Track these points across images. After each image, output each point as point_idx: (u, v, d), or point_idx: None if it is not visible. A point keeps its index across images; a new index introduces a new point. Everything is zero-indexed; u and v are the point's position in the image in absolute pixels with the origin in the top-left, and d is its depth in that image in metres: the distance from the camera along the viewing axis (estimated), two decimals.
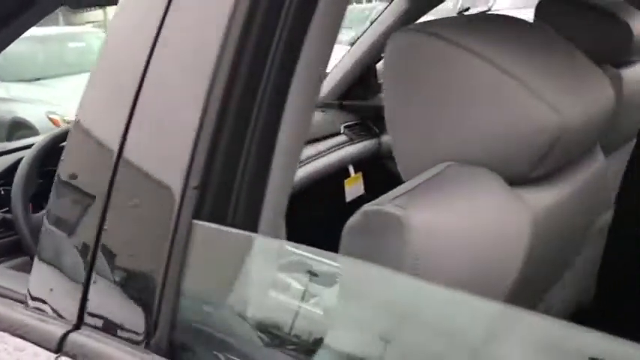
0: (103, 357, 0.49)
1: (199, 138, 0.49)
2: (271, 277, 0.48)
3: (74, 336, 0.51)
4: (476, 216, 0.61)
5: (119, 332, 0.50)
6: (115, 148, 0.52)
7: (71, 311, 0.53)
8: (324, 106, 2.33)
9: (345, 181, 2.13)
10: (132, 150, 0.52)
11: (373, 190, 1.91)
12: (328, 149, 2.09)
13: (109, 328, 0.50)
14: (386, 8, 1.99)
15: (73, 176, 0.56)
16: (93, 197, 0.53)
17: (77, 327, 0.52)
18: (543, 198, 0.65)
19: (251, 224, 0.50)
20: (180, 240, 0.48)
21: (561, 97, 0.62)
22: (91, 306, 0.52)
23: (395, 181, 0.68)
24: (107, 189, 0.52)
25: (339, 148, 2.08)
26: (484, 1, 12.60)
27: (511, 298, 0.64)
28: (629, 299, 1.80)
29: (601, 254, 1.67)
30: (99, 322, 0.51)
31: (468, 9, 12.33)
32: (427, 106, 0.66)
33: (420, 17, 2.01)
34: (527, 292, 0.68)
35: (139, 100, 0.52)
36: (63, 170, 0.57)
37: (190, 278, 0.48)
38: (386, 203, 0.60)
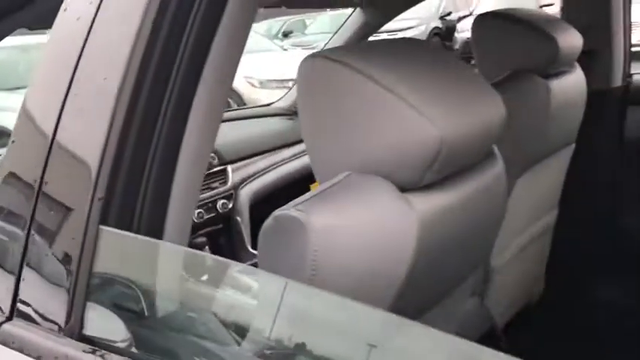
0: (29, 345, 0.56)
1: (105, 153, 0.57)
2: (169, 278, 0.56)
3: (7, 327, 0.59)
4: (368, 218, 0.70)
5: (43, 322, 0.58)
6: (45, 151, 0.60)
7: (5, 303, 0.60)
8: (292, 114, 2.41)
9: (311, 186, 2.21)
10: (56, 155, 0.60)
11: None
12: (293, 155, 2.17)
13: (36, 318, 0.58)
14: (346, 20, 2.08)
15: (10, 174, 0.64)
16: (26, 194, 0.61)
17: (9, 318, 0.60)
18: (432, 202, 0.74)
19: (155, 230, 0.58)
20: (89, 242, 0.56)
21: (440, 112, 0.70)
22: (23, 297, 0.60)
23: None
24: (37, 190, 0.60)
25: (304, 155, 2.15)
26: (466, 6, 12.74)
27: (404, 290, 0.72)
28: (575, 293, 1.90)
29: (548, 252, 1.77)
30: (28, 313, 0.59)
31: (449, 13, 12.45)
32: (330, 123, 0.75)
33: (378, 28, 2.10)
34: (422, 284, 0.76)
35: (62, 114, 0.60)
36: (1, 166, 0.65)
37: (99, 275, 0.56)
38: (291, 208, 0.69)
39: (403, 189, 0.72)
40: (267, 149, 2.07)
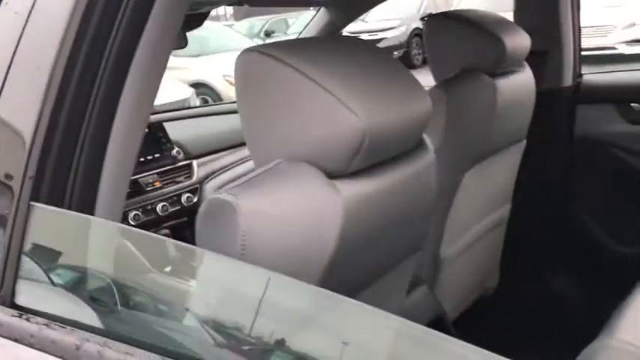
0: None
1: (36, 135, 0.61)
2: (100, 252, 0.61)
3: None
4: (295, 202, 0.75)
5: None
6: None
7: None
8: None
9: None
10: None
11: None
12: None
13: None
14: (311, 20, 2.13)
15: None
16: None
17: None
18: (358, 188, 0.79)
19: (86, 207, 0.62)
20: (20, 218, 0.61)
21: (364, 105, 0.75)
22: None
23: None
24: None
25: None
26: (446, 7, 12.89)
27: (331, 270, 0.77)
28: (529, 286, 1.97)
29: (501, 245, 1.84)
30: None
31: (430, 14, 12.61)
32: (264, 113, 0.80)
33: (343, 27, 2.15)
34: (350, 265, 0.81)
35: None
36: None
37: (31, 249, 0.61)
38: (222, 192, 0.74)
39: (331, 176, 0.77)
40: (234, 145, 2.10)
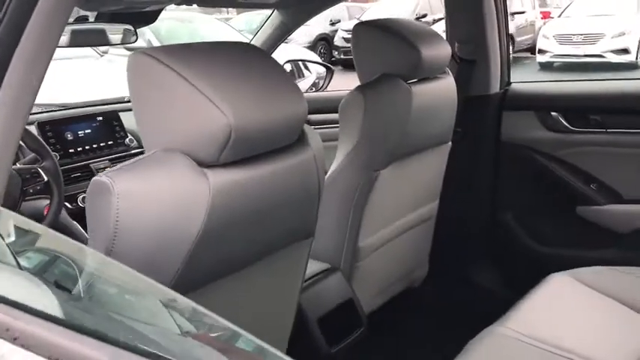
0: None
1: None
2: None
3: None
4: (167, 186, 0.86)
5: None
6: None
7: None
8: None
9: None
10: None
11: None
12: None
13: None
14: (264, 22, 2.25)
15: None
16: None
17: None
18: (226, 177, 0.90)
19: None
20: None
21: (232, 104, 0.87)
22: None
23: None
24: None
25: None
26: (440, 9, 13.00)
27: (198, 249, 0.88)
28: (455, 277, 2.09)
29: (431, 239, 1.96)
30: None
31: (425, 15, 12.74)
32: (148, 108, 0.91)
33: (295, 28, 2.26)
34: (215, 246, 0.92)
35: None
36: None
37: None
38: (104, 174, 0.86)
39: (202, 164, 0.89)
40: None
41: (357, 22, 1.69)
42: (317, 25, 11.88)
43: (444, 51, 1.63)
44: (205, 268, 0.93)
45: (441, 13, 12.32)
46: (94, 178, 0.87)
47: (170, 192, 0.87)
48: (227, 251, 0.96)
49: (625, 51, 9.58)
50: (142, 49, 0.93)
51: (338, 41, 12.54)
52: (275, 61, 1.03)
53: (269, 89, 0.95)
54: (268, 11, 2.27)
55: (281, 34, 2.24)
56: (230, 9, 15.15)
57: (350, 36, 1.69)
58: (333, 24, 12.77)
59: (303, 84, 3.02)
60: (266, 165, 0.97)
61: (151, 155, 0.89)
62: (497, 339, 1.39)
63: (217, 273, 0.98)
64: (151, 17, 1.90)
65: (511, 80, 2.02)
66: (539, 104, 1.95)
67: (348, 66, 2.71)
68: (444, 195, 1.89)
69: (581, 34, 9.95)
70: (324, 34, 12.73)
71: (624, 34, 9.66)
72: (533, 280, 1.60)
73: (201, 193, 0.88)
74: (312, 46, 11.81)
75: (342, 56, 11.71)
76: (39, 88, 0.82)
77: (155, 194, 0.86)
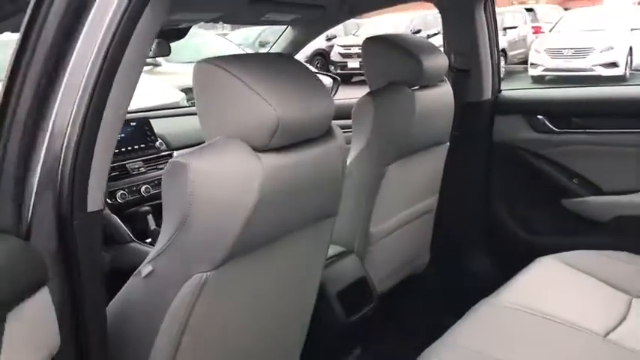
0: None
1: None
2: None
3: None
4: (229, 165, 1.09)
5: None
6: None
7: None
8: None
9: None
10: None
11: None
12: None
13: None
14: (280, 37, 2.50)
15: None
16: None
17: None
18: (275, 160, 1.13)
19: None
20: None
21: (279, 100, 1.10)
22: None
23: None
24: None
25: None
26: (436, 24, 13.33)
27: (251, 220, 1.10)
28: (454, 265, 2.32)
29: (431, 230, 2.19)
30: None
31: (419, 31, 13.06)
32: (213, 106, 1.14)
33: (306, 44, 2.51)
34: (266, 218, 1.14)
35: None
36: None
37: None
38: (178, 156, 1.09)
39: (256, 149, 1.12)
40: None
41: (365, 37, 1.93)
42: (314, 40, 12.23)
43: (442, 62, 1.87)
44: (257, 233, 1.16)
45: (435, 29, 12.71)
46: (172, 159, 1.10)
47: (232, 170, 1.10)
48: (275, 219, 1.19)
49: (614, 64, 9.89)
50: (207, 59, 1.17)
51: (334, 56, 12.83)
52: (307, 68, 1.26)
53: (305, 90, 1.19)
54: (260, 28, 2.50)
55: (294, 48, 2.49)
56: (225, 24, 15.52)
57: (346, 51, 1.94)
58: (329, 39, 13.08)
59: None
60: (303, 151, 1.20)
61: (216, 141, 1.12)
62: (492, 308, 1.62)
63: (266, 238, 1.20)
64: (182, 33, 2.14)
65: (501, 88, 2.27)
66: (527, 109, 2.20)
67: (343, 80, 2.95)
68: (444, 190, 2.12)
69: (572, 48, 10.26)
70: (321, 49, 13.03)
71: (613, 48, 9.98)
72: (523, 265, 1.83)
73: (256, 172, 1.11)
74: (309, 61, 12.09)
75: (338, 71, 11.93)
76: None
77: (221, 172, 1.09)
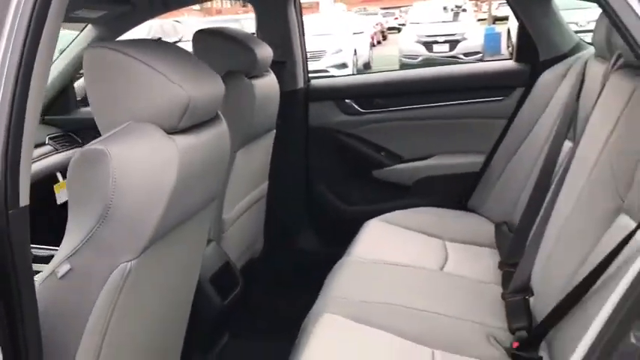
0: None
1: None
2: None
3: None
4: (146, 150, 1.07)
5: None
6: None
7: None
8: None
9: (55, 186, 2.39)
10: None
11: None
12: (35, 158, 2.33)
13: None
14: (73, 40, 2.36)
15: None
16: None
17: None
18: (187, 141, 1.15)
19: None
20: None
21: (188, 83, 1.12)
22: None
23: None
24: None
25: (45, 157, 2.33)
26: (174, 33, 13.35)
27: (171, 201, 1.10)
28: (287, 246, 2.48)
29: (264, 215, 2.31)
30: None
31: (159, 39, 12.95)
32: (112, 92, 1.11)
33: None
34: (182, 199, 1.15)
35: None
36: None
37: None
38: (92, 144, 1.03)
39: (168, 132, 1.12)
40: None
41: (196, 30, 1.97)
42: None
43: (269, 52, 2.02)
44: (174, 215, 1.16)
45: (176, 37, 12.75)
46: (85, 148, 1.04)
47: (151, 154, 1.09)
48: (188, 200, 1.20)
49: (344, 65, 11.11)
50: (100, 43, 1.13)
51: None
52: (188, 51, 1.29)
53: (201, 72, 1.22)
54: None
55: None
56: None
57: None
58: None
59: None
60: (204, 133, 1.23)
61: (127, 127, 1.09)
62: (350, 265, 1.82)
63: (178, 221, 1.20)
64: None
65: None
66: (335, 94, 2.47)
67: None
68: (271, 176, 2.27)
69: (308, 52, 11.22)
70: None
71: (342, 50, 11.20)
72: (346, 234, 2.07)
73: (173, 154, 1.11)
74: None
75: None
76: None
77: (141, 157, 1.07)
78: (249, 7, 2.44)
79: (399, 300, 1.57)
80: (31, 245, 1.01)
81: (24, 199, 0.92)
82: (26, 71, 0.90)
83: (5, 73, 0.89)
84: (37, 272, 1.07)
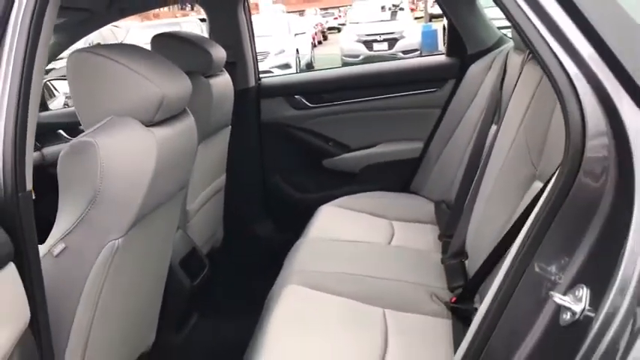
0: None
1: None
2: None
3: None
4: (129, 140, 1.23)
5: None
6: None
7: None
8: None
9: None
10: None
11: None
12: None
13: None
14: None
15: None
16: None
17: None
18: (163, 132, 1.30)
19: None
20: None
21: (161, 81, 1.28)
22: None
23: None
24: None
25: None
26: (113, 39, 13.16)
27: (151, 189, 1.25)
28: (245, 235, 2.64)
29: (222, 206, 2.46)
30: None
31: (99, 44, 12.74)
32: (94, 92, 1.25)
33: (67, 47, 2.51)
34: (160, 186, 1.31)
35: None
36: None
37: None
38: (81, 137, 1.18)
39: (146, 125, 1.28)
40: None
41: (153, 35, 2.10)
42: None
43: (222, 53, 2.18)
44: (154, 197, 1.32)
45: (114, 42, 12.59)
46: (74, 140, 1.19)
47: (133, 144, 1.24)
48: (164, 185, 1.35)
49: (287, 65, 11.26)
50: (81, 49, 1.27)
51: None
52: (159, 55, 1.45)
53: (171, 71, 1.38)
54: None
55: (54, 53, 2.48)
56: None
57: None
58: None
59: (55, 103, 3.17)
60: (175, 126, 1.40)
61: (109, 121, 1.24)
62: (309, 244, 2.01)
63: (157, 203, 1.36)
64: None
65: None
66: (285, 91, 2.64)
67: None
68: (228, 170, 2.43)
69: None
70: None
71: (284, 51, 11.37)
72: (301, 220, 2.26)
73: (152, 143, 1.27)
74: None
75: None
76: None
77: (124, 146, 1.22)
78: (188, 10, 2.59)
79: (351, 269, 1.77)
80: None
81: (29, 184, 1.06)
82: (28, 71, 1.04)
83: (10, 75, 1.03)
84: None
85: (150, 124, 1.29)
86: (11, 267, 0.97)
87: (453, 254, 1.78)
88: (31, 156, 1.07)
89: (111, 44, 1.32)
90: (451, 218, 2.03)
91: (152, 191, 1.28)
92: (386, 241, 2.06)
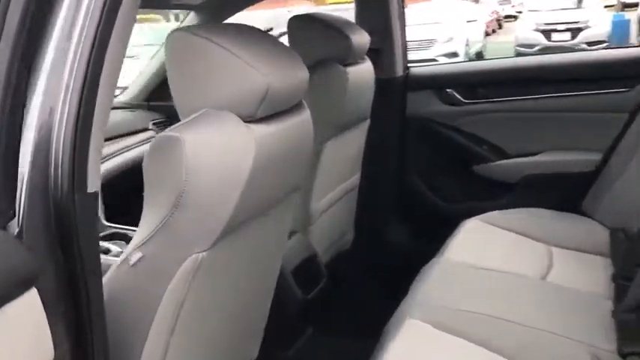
0: None
1: None
2: None
3: None
4: (221, 137, 1.03)
5: None
6: None
7: None
8: (135, 106, 2.65)
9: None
10: None
11: None
12: (138, 142, 2.40)
13: None
14: (182, 22, 2.40)
15: None
16: None
17: None
18: (264, 129, 1.09)
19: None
20: None
21: (268, 69, 1.06)
22: None
23: None
24: None
25: (148, 141, 2.40)
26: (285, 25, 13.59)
27: (246, 191, 1.06)
28: (377, 238, 2.40)
29: (355, 207, 2.23)
30: None
31: (271, 29, 13.19)
32: (192, 76, 1.08)
33: None
34: (258, 189, 1.10)
35: None
36: None
37: None
38: (168, 132, 1.01)
39: (245, 120, 1.07)
40: (113, 137, 2.28)
41: (291, 15, 1.92)
42: None
43: (366, 39, 1.93)
44: (249, 206, 1.11)
45: (284, 28, 13.02)
46: (161, 135, 1.02)
47: (226, 142, 1.04)
48: (264, 191, 1.15)
49: (455, 54, 10.75)
50: (183, 27, 1.09)
51: None
52: (277, 39, 1.24)
53: (285, 59, 1.16)
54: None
55: None
56: None
57: None
58: None
59: None
60: (283, 122, 1.18)
61: (203, 113, 1.05)
62: (443, 268, 1.70)
63: (254, 212, 1.16)
64: None
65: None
66: (436, 83, 2.33)
67: None
68: (364, 167, 2.19)
69: (415, 41, 10.98)
70: None
71: (453, 39, 10.85)
72: (444, 231, 1.94)
73: (249, 143, 1.06)
74: None
75: None
76: None
77: (215, 144, 1.03)
78: None
79: (489, 309, 1.44)
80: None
81: (93, 186, 0.90)
82: (98, 56, 0.88)
83: (78, 60, 0.87)
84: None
85: (251, 119, 1.08)
86: (32, 293, 0.80)
87: (630, 306, 1.37)
88: (97, 152, 0.91)
89: (210, 25, 1.13)
90: (631, 255, 1.60)
91: (248, 197, 1.08)
92: (540, 275, 1.69)
